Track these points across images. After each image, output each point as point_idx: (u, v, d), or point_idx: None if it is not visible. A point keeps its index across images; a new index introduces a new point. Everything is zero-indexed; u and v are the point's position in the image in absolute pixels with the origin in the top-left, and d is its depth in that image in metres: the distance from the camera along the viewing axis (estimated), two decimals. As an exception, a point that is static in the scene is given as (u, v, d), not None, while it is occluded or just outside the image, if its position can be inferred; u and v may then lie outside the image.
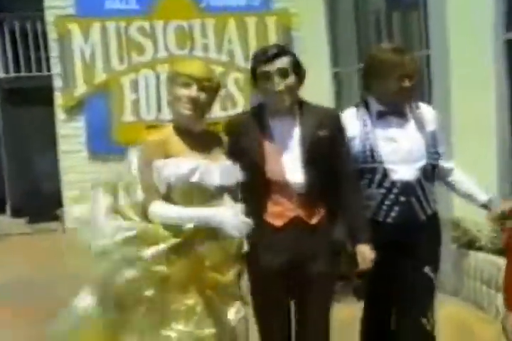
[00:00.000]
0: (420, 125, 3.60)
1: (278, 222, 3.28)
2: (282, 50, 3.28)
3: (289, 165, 3.26)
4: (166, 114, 9.05)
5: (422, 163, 3.55)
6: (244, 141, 3.28)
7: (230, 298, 3.21)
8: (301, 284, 3.34)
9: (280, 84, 3.21)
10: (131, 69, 9.21)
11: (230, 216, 2.98)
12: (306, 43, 9.21)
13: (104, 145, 9.15)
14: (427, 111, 3.69)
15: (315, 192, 3.28)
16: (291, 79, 3.25)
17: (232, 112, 8.84)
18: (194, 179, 3.07)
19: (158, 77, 9.18)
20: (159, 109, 9.23)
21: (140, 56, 9.20)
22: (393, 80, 3.46)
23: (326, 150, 3.29)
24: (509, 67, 5.89)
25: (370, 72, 3.55)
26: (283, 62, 3.24)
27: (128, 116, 9.27)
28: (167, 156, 3.11)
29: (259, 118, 3.34)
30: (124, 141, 8.68)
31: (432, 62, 6.30)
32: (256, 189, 3.25)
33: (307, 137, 3.28)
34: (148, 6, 9.12)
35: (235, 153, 3.24)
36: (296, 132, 3.30)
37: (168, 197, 3.10)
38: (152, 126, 8.65)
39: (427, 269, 3.59)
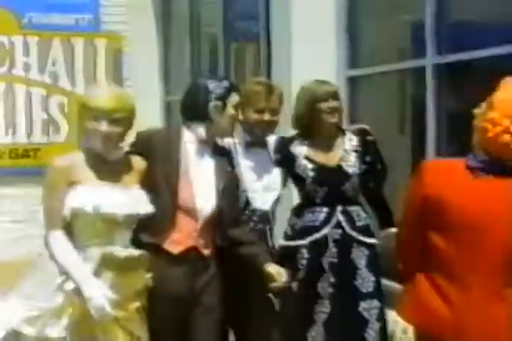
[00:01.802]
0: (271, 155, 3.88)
1: (176, 250, 3.36)
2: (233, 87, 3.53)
3: (201, 192, 3.42)
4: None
5: (277, 193, 3.87)
6: (163, 159, 3.37)
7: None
8: (193, 314, 3.45)
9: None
10: None
11: (98, 295, 2.95)
12: (137, 69, 9.07)
13: None
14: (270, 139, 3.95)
15: (217, 222, 3.47)
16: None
17: (54, 138, 8.59)
18: (95, 208, 3.03)
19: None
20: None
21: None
22: (253, 112, 3.74)
23: (231, 184, 3.58)
24: (351, 103, 5.96)
25: (238, 103, 3.64)
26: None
27: None
28: (72, 183, 3.07)
29: (180, 141, 3.46)
30: None
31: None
32: (162, 215, 3.31)
33: (221, 168, 3.52)
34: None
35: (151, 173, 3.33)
36: (210, 162, 3.49)
37: (71, 227, 3.09)
38: None
39: None
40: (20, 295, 3.13)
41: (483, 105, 2.76)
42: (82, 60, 9.01)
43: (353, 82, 6.03)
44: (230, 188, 3.53)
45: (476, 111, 2.81)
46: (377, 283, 3.87)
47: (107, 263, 3.07)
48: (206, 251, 3.46)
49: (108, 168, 3.18)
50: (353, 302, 3.80)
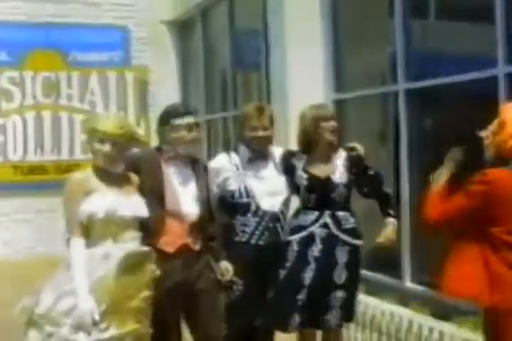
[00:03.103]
0: (276, 165, 3.93)
1: (170, 249, 3.43)
2: (190, 110, 3.59)
3: (185, 199, 3.50)
4: (31, 154, 8.66)
5: (284, 196, 3.92)
6: (148, 174, 3.45)
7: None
8: (189, 300, 3.50)
9: (188, 136, 3.48)
10: (1, 114, 8.76)
11: (86, 315, 2.98)
12: (161, 97, 9.10)
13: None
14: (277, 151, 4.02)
15: (201, 223, 3.55)
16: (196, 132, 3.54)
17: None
18: (112, 211, 3.13)
19: (24, 122, 8.80)
20: (25, 150, 8.82)
21: (9, 103, 8.76)
22: (249, 131, 3.82)
23: (209, 191, 3.69)
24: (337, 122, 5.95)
25: (239, 123, 3.96)
26: (192, 118, 3.52)
27: (-5, 157, 8.80)
28: (87, 192, 3.16)
29: (159, 157, 3.53)
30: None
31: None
32: (153, 220, 3.36)
33: (200, 178, 3.60)
34: (19, 57, 8.76)
35: (141, 187, 3.39)
36: (191, 173, 3.58)
37: (88, 229, 3.15)
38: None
39: None
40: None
41: (492, 128, 2.88)
42: (115, 90, 9.20)
43: (339, 104, 6.05)
44: (207, 195, 3.64)
45: (484, 133, 2.92)
46: (351, 278, 3.88)
47: (121, 259, 3.10)
48: (196, 247, 3.53)
49: (112, 179, 3.27)
50: (327, 290, 3.83)
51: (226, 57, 8.27)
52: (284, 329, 3.87)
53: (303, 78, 6.05)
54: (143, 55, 9.27)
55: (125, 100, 9.15)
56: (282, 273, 3.84)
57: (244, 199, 3.82)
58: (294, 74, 6.06)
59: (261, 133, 3.81)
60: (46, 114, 8.81)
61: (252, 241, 3.80)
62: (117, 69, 9.18)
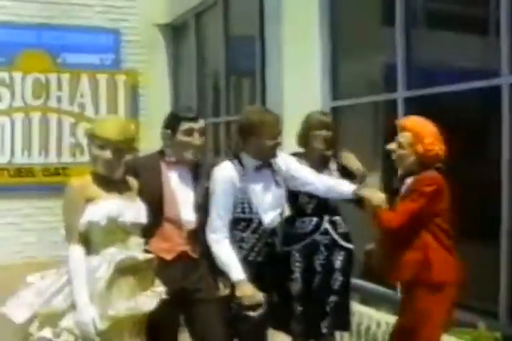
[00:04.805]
0: (278, 175, 3.60)
1: (168, 256, 3.36)
2: (199, 114, 3.44)
3: (184, 205, 3.39)
4: (19, 157, 8.54)
5: (282, 208, 3.66)
6: (147, 180, 3.34)
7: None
8: (189, 309, 3.42)
9: (199, 140, 3.37)
10: (-13, 116, 8.67)
11: (89, 325, 2.93)
12: (151, 101, 9.10)
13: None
14: (280, 158, 3.66)
15: (200, 230, 3.41)
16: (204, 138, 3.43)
17: (80, 159, 8.59)
18: (113, 217, 3.06)
19: (13, 123, 8.66)
20: (13, 152, 8.65)
21: (-3, 104, 8.70)
22: (270, 138, 3.45)
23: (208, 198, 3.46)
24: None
25: (248, 131, 3.49)
26: (202, 123, 3.41)
27: (-18, 158, 8.67)
28: (87, 199, 3.08)
29: (160, 162, 3.42)
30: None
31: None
32: (152, 226, 3.28)
33: (200, 185, 3.44)
34: (9, 58, 8.63)
35: (141, 192, 3.31)
36: (191, 179, 3.44)
37: (89, 236, 3.08)
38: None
39: None
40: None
41: (405, 140, 3.51)
42: (105, 93, 9.08)
43: (336, 111, 6.02)
44: (206, 203, 3.45)
45: (392, 146, 3.56)
46: (345, 282, 3.88)
47: (123, 266, 3.05)
48: (195, 254, 3.43)
49: (113, 185, 3.18)
50: (326, 296, 3.80)
51: (219, 62, 8.23)
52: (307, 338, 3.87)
53: (299, 85, 6.04)
54: (134, 58, 9.16)
55: (115, 103, 9.03)
56: (293, 285, 3.79)
57: (247, 215, 3.51)
58: (291, 81, 6.04)
59: (280, 139, 3.55)
60: (35, 116, 8.67)
61: (250, 258, 3.51)
62: (108, 72, 9.07)
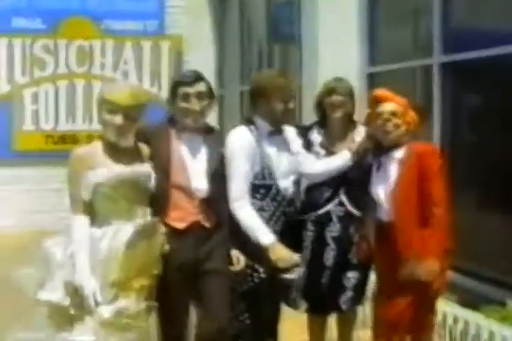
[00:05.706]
0: (291, 140, 3.56)
1: (180, 225, 3.26)
2: (200, 77, 3.30)
3: (195, 173, 3.28)
4: (63, 124, 8.62)
5: (296, 176, 3.58)
6: (156, 148, 3.25)
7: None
8: (199, 279, 3.32)
9: (197, 105, 3.24)
10: (33, 83, 8.74)
11: (89, 297, 2.89)
12: (196, 67, 8.88)
13: (4, 152, 8.65)
14: (288, 130, 3.60)
15: (213, 199, 3.31)
16: (206, 101, 3.28)
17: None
18: (117, 177, 2.98)
19: (57, 91, 8.80)
20: (57, 119, 8.82)
21: (42, 71, 8.74)
22: (279, 102, 3.36)
23: (223, 166, 3.36)
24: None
25: (258, 94, 3.41)
26: (201, 86, 3.27)
27: (28, 126, 8.77)
28: (91, 168, 2.98)
29: (170, 130, 3.31)
30: (22, 148, 8.53)
31: (304, 90, 6.12)
32: (161, 194, 3.21)
33: (212, 152, 3.34)
34: (53, 25, 8.73)
35: (150, 159, 3.22)
36: (203, 147, 3.34)
37: (96, 206, 3.02)
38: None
39: None
40: None
41: (395, 108, 3.39)
42: (149, 60, 9.10)
43: (372, 77, 5.85)
44: (221, 170, 3.35)
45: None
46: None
47: (132, 234, 2.97)
48: (208, 224, 3.32)
49: (121, 153, 3.05)
50: (343, 270, 3.67)
51: (262, 28, 8.10)
52: (320, 313, 3.80)
53: (336, 51, 5.92)
54: (179, 24, 9.13)
55: (159, 70, 9.04)
56: (303, 255, 3.67)
57: (267, 181, 3.41)
58: (327, 46, 5.93)
59: (291, 105, 3.42)
60: (79, 83, 8.78)
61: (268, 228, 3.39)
62: (152, 38, 9.07)
